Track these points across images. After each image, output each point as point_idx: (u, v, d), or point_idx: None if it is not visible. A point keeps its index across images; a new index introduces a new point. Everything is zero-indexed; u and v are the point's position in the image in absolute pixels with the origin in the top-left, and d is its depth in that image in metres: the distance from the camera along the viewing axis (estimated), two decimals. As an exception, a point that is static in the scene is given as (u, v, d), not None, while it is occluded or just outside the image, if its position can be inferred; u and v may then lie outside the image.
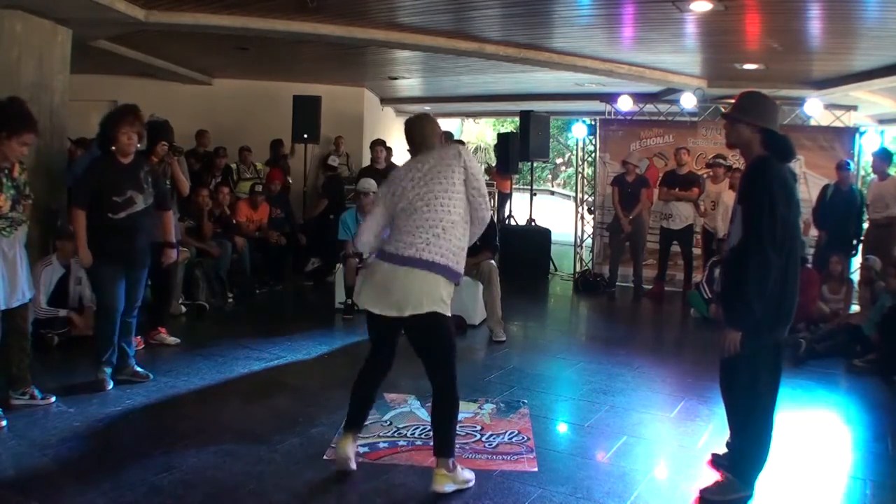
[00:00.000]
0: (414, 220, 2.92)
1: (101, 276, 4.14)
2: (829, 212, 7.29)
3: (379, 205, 3.09)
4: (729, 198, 6.97)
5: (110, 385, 4.14)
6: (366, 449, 3.40)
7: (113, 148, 4.11)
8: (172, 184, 5.21)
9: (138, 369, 4.34)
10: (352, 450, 3.11)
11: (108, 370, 4.19)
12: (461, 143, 11.46)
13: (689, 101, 8.66)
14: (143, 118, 5.02)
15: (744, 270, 2.78)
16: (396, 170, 3.19)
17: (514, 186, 10.87)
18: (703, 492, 3.04)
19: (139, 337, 5.04)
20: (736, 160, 8.35)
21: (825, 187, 7.50)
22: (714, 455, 3.36)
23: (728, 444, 3.24)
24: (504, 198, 11.29)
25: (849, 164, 7.41)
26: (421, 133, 3.12)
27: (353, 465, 3.09)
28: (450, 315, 2.98)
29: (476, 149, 24.19)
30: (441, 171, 2.95)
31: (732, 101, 9.64)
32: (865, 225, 7.39)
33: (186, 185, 5.38)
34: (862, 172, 9.34)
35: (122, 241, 4.10)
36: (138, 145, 4.28)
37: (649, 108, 9.40)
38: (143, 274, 4.36)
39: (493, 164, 11.51)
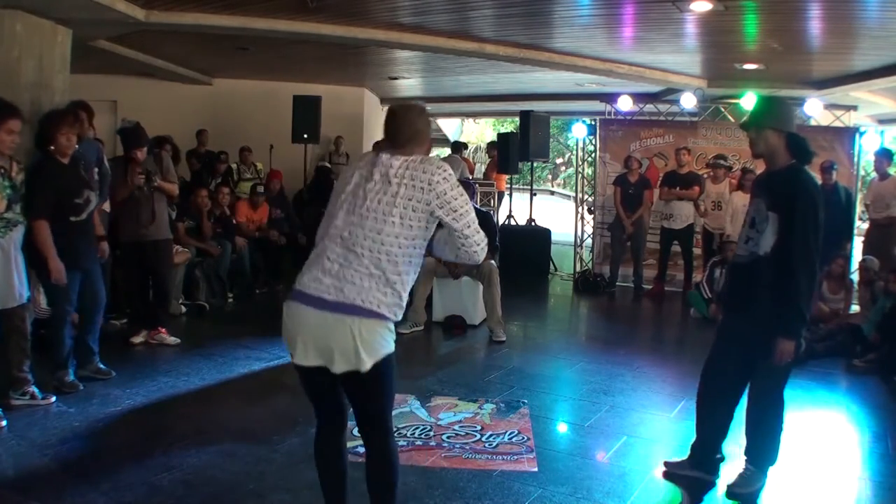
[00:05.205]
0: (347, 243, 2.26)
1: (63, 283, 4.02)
2: None
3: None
4: (740, 199, 6.93)
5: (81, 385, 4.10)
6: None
7: (51, 148, 3.96)
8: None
9: (101, 366, 4.32)
10: None
11: (71, 371, 4.14)
12: (464, 145, 11.49)
13: (689, 101, 8.65)
14: (84, 118, 4.75)
15: (789, 279, 2.77)
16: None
17: (514, 186, 10.84)
18: (731, 486, 3.08)
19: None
20: (736, 160, 8.37)
21: None
22: (667, 464, 3.30)
23: (693, 447, 3.23)
24: (499, 197, 11.28)
25: (833, 165, 7.37)
26: (413, 128, 2.34)
27: None
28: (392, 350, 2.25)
29: (476, 149, 24.20)
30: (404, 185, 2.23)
31: (733, 101, 9.54)
32: (866, 225, 7.38)
33: (176, 189, 5.21)
34: (862, 172, 9.34)
35: (82, 242, 4.05)
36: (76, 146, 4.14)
37: (649, 108, 9.40)
38: (99, 268, 4.31)
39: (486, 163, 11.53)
